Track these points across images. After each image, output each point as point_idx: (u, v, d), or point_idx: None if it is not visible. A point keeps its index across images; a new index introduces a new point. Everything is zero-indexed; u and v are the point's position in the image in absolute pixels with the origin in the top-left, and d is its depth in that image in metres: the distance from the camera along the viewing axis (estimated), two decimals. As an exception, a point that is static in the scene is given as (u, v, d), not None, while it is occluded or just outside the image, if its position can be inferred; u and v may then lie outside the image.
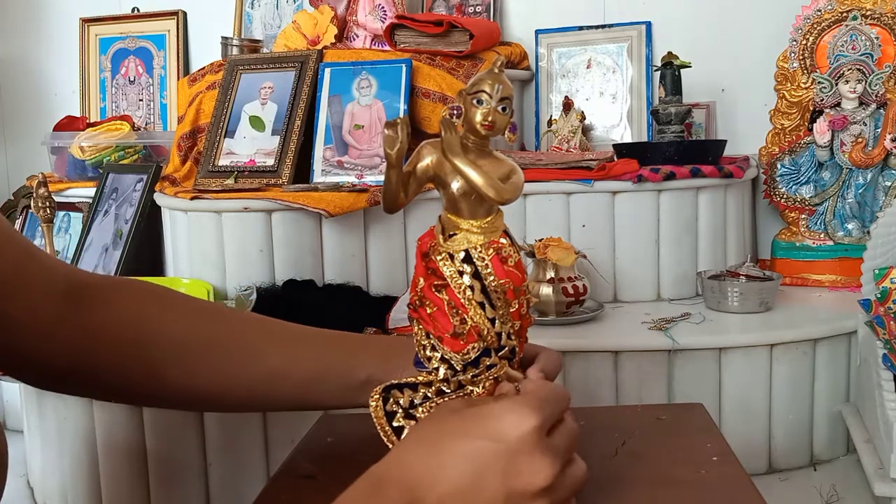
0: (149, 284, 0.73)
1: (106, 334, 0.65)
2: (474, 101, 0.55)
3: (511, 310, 0.57)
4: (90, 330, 0.65)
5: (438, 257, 0.57)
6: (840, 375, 1.37)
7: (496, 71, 0.56)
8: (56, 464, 1.35)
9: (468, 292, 0.56)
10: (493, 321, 0.57)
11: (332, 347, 0.71)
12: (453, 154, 0.55)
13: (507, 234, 0.58)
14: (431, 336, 0.58)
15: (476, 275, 0.56)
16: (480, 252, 0.56)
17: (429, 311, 0.58)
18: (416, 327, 0.60)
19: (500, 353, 0.58)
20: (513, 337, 0.58)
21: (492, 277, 0.56)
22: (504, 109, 0.55)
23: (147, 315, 0.67)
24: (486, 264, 0.56)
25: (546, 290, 1.40)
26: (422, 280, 0.58)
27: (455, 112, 0.56)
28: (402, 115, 1.58)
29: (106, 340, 0.65)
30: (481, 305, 0.56)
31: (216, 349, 0.68)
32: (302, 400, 0.71)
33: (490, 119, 0.55)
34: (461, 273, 0.56)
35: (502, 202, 0.56)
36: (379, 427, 0.61)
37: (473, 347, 0.57)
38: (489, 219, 0.57)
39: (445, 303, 0.57)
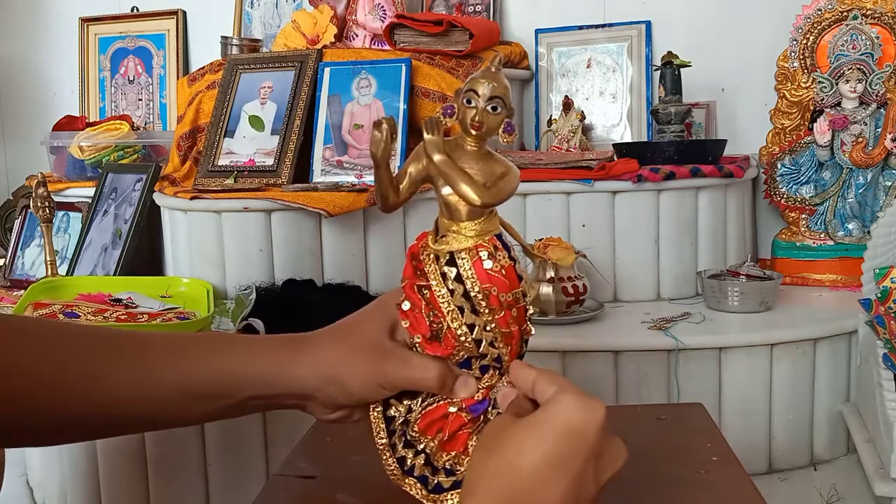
0: None
1: None
2: (464, 101, 0.54)
3: (497, 316, 0.54)
4: None
5: (425, 258, 0.56)
6: (840, 375, 1.37)
7: (493, 69, 0.55)
8: (55, 463, 1.34)
9: (448, 295, 0.54)
10: (471, 327, 0.54)
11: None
12: (435, 154, 0.53)
13: (499, 238, 0.56)
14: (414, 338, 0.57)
15: (459, 278, 0.54)
16: (464, 255, 0.54)
17: (413, 312, 0.56)
18: (406, 326, 0.59)
19: (482, 362, 0.56)
20: (497, 345, 0.55)
21: (473, 281, 0.54)
22: (495, 109, 0.53)
23: None
24: (469, 268, 0.54)
25: (546, 289, 1.39)
26: (406, 280, 0.57)
27: (448, 112, 0.55)
28: (401, 114, 1.58)
29: None
30: (460, 310, 0.54)
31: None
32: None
33: (478, 119, 0.53)
34: (444, 276, 0.54)
35: (481, 206, 0.53)
36: (375, 432, 0.60)
37: (459, 353, 0.55)
38: (480, 220, 0.55)
39: (424, 304, 0.55)
